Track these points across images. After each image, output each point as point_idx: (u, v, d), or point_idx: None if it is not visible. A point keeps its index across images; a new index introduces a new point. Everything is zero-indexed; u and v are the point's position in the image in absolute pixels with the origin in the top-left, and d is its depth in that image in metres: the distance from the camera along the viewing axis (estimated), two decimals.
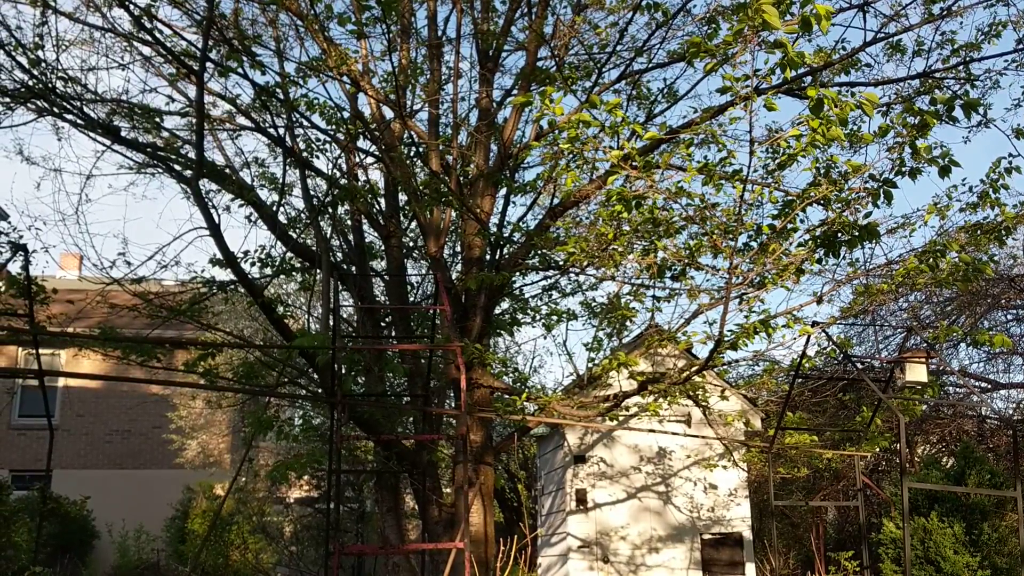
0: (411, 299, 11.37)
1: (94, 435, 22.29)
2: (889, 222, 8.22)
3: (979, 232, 7.14)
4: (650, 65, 9.53)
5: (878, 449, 9.85)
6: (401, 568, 9.11)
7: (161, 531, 18.84)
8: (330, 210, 10.28)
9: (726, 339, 6.49)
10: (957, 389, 15.92)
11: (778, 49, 4.36)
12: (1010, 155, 7.04)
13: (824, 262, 6.37)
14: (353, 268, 10.36)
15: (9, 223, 8.58)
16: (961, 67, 8.35)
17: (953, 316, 15.53)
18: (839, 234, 5.82)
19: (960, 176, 7.35)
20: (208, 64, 7.89)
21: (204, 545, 13.81)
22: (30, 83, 8.02)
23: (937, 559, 10.69)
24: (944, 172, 5.22)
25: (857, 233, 5.80)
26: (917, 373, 7.94)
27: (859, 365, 14.70)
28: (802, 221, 6.28)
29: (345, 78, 9.06)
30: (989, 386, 15.96)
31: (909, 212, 9.29)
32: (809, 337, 7.21)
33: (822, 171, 5.67)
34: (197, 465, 19.68)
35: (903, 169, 5.44)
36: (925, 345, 9.19)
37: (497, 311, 10.74)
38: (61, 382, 22.19)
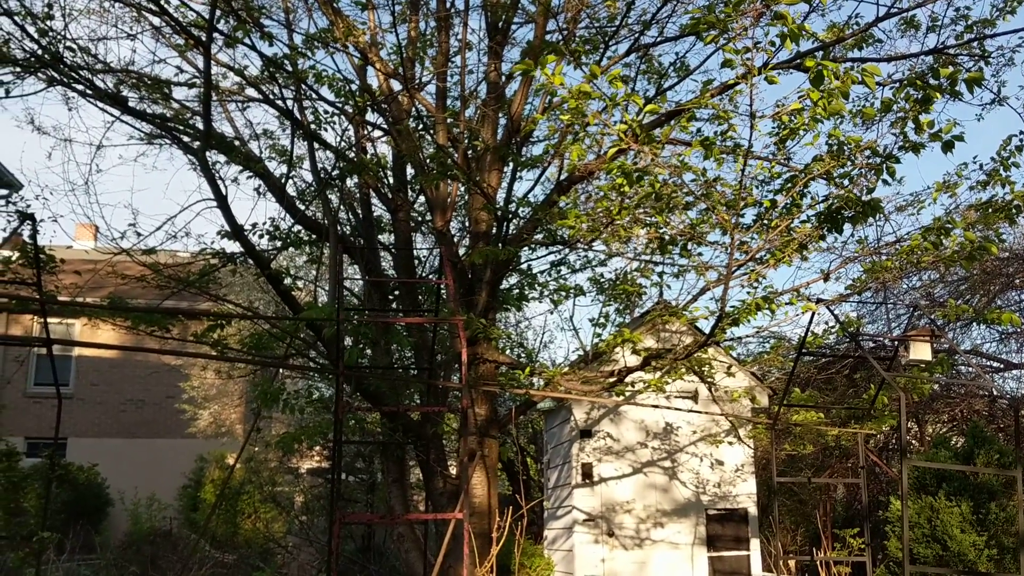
0: (419, 273, 11.37)
1: (108, 404, 22.54)
2: (898, 200, 8.17)
3: (990, 210, 7.07)
4: (659, 39, 9.45)
5: (885, 428, 9.81)
6: (405, 537, 9.19)
7: (173, 499, 19.10)
8: (338, 183, 10.28)
9: (728, 314, 6.48)
10: (969, 369, 15.82)
11: (779, 21, 4.31)
12: (1022, 132, 6.98)
13: (829, 238, 6.34)
14: (361, 241, 10.37)
15: (19, 194, 8.63)
16: (975, 43, 8.24)
17: (967, 296, 15.40)
18: (843, 210, 5.78)
19: (972, 154, 7.30)
20: (216, 35, 7.87)
21: (213, 513, 13.97)
22: (39, 53, 8.01)
23: (944, 537, 10.67)
24: (947, 147, 5.16)
25: (861, 209, 5.76)
26: (921, 352, 7.90)
27: (870, 343, 14.68)
28: (810, 198, 6.24)
29: (353, 50, 9.02)
30: (1001, 366, 15.85)
31: (919, 190, 9.21)
32: (813, 314, 7.18)
33: (834, 147, 5.62)
34: (209, 435, 19.89)
35: (906, 144, 5.39)
36: (930, 324, 9.13)
37: (504, 286, 10.73)
38: (76, 352, 22.42)
